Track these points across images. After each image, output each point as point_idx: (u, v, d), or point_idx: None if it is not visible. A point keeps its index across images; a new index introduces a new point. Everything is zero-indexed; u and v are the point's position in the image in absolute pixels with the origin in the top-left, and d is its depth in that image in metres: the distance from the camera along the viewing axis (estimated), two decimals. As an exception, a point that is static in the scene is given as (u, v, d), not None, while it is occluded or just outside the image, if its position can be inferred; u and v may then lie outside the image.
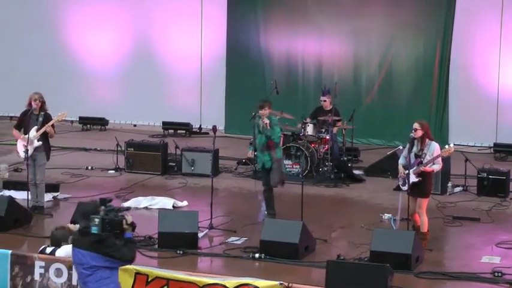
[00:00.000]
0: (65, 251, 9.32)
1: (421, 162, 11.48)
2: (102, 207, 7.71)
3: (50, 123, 13.16)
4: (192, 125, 20.83)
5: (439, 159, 11.52)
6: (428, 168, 11.49)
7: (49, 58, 21.86)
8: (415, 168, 11.47)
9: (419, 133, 11.52)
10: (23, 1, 22.18)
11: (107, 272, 7.78)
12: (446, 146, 11.79)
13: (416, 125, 11.55)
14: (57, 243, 9.42)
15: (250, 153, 13.23)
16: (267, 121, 12.82)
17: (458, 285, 10.32)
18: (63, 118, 13.70)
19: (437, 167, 11.61)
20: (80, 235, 7.87)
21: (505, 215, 13.64)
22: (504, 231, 12.57)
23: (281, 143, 14.24)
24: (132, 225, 7.81)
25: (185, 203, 14.05)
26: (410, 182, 11.42)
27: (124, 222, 7.74)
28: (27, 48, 22.08)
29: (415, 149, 11.61)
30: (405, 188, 11.58)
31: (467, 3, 18.66)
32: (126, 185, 15.39)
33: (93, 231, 7.62)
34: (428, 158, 11.46)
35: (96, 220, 7.61)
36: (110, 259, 7.76)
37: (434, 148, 11.53)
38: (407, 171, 11.46)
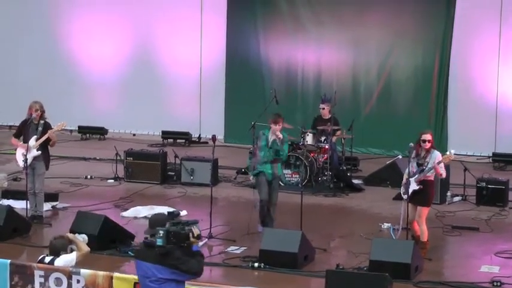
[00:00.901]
0: (64, 260, 9.28)
1: (422, 171, 11.49)
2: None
3: (49, 132, 13.15)
4: (192, 134, 20.82)
5: (442, 165, 11.54)
6: (429, 176, 11.51)
7: (48, 68, 21.84)
8: (416, 176, 11.49)
9: (430, 144, 11.53)
10: (22, 7, 22.16)
11: (173, 285, 7.69)
12: (447, 153, 11.82)
13: (429, 137, 11.53)
14: (56, 253, 9.38)
15: (251, 179, 13.21)
16: (281, 136, 12.71)
17: (458, 295, 10.35)
18: (62, 128, 13.70)
19: (443, 172, 11.64)
20: (144, 247, 7.79)
21: (504, 224, 13.64)
22: (503, 241, 12.56)
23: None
24: (199, 238, 7.70)
25: (184, 212, 14.02)
26: (411, 189, 11.43)
27: (191, 235, 7.62)
28: (27, 58, 22.07)
29: (417, 158, 11.63)
30: (406, 196, 11.59)
31: (466, 13, 18.66)
32: (125, 194, 15.38)
33: (158, 243, 7.54)
34: (430, 166, 11.48)
35: (161, 232, 7.53)
36: (176, 271, 7.65)
37: (435, 157, 11.54)
38: (409, 178, 11.48)
